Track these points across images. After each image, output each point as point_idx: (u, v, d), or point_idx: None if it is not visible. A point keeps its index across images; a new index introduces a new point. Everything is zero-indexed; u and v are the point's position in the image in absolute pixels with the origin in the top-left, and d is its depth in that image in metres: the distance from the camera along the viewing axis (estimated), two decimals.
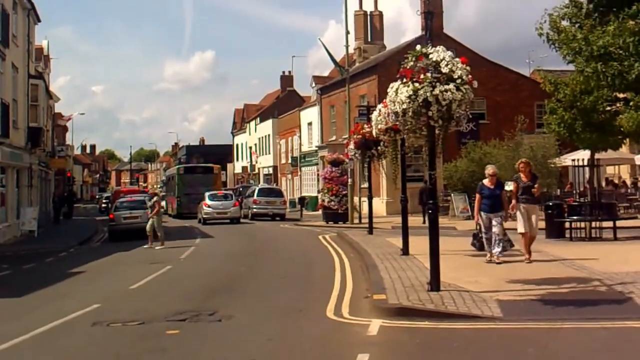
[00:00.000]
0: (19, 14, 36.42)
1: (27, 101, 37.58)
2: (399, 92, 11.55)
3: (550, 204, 22.32)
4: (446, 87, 11.18)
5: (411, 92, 11.31)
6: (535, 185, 16.20)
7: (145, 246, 25.50)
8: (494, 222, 15.73)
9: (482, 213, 15.98)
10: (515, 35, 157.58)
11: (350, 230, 29.36)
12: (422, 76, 11.36)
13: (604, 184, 33.75)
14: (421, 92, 11.23)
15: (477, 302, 11.28)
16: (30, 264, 22.44)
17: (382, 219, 34.46)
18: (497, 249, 15.74)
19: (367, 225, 27.06)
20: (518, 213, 16.04)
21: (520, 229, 16.07)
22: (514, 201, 16.04)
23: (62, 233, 37.38)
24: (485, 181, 16.09)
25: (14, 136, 33.02)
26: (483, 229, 16.05)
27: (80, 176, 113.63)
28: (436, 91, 11.17)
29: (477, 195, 16.23)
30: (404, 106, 11.45)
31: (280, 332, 10.56)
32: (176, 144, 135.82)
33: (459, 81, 11.28)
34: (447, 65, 11.35)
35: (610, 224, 21.19)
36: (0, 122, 29.80)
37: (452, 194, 35.39)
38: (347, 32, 38.00)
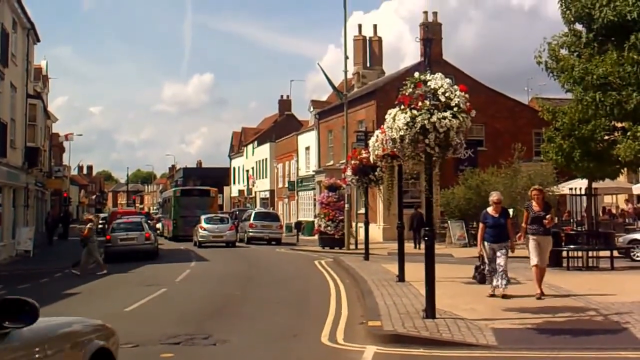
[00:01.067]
0: (19, 34, 36.54)
1: (25, 121, 37.57)
2: (397, 119, 11.56)
3: None
4: (443, 114, 11.20)
5: (409, 119, 11.32)
6: (548, 216, 14.82)
7: (98, 273, 24.89)
8: (498, 254, 14.46)
9: (486, 243, 14.63)
10: (513, 62, 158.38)
11: (346, 256, 29.29)
12: (420, 103, 11.38)
13: (601, 213, 33.76)
14: (419, 119, 11.24)
15: (472, 330, 11.21)
16: (26, 284, 22.32)
17: (378, 245, 34.37)
18: (502, 282, 14.40)
19: (363, 251, 27.03)
20: (530, 245, 14.89)
21: (533, 261, 14.84)
22: (523, 227, 15.12)
23: (58, 253, 37.22)
24: (489, 209, 14.83)
25: (11, 156, 33.01)
26: (486, 261, 14.69)
27: (77, 197, 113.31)
28: (434, 118, 11.17)
29: (481, 225, 14.85)
30: (402, 133, 11.46)
31: (274, 357, 10.52)
32: (173, 166, 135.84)
33: (456, 109, 11.29)
34: (444, 93, 11.37)
35: (607, 253, 21.16)
36: None
37: (449, 221, 35.34)
38: (346, 57, 38.05)
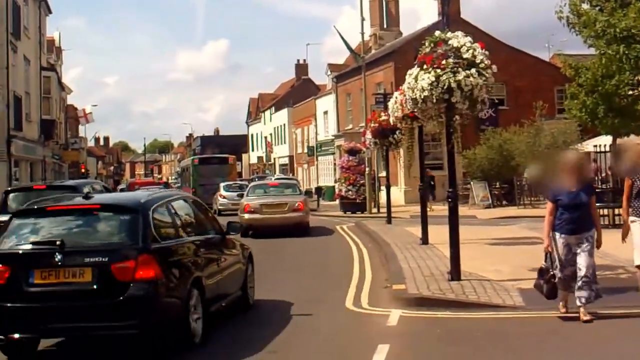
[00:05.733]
0: (30, 6, 36.41)
1: (40, 93, 37.60)
2: (419, 79, 11.38)
3: None
4: (468, 72, 11.03)
5: (433, 79, 11.15)
6: None
7: None
8: (577, 251, 9.40)
9: (558, 235, 9.51)
10: (533, 18, 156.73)
11: (368, 220, 29.11)
12: (443, 62, 11.15)
13: None
14: (443, 78, 11.06)
15: (498, 291, 11.13)
16: None
17: (401, 208, 34.16)
18: (583, 294, 9.31)
19: (385, 215, 26.87)
20: (635, 232, 9.74)
21: (637, 258, 9.69)
22: (624, 206, 9.86)
23: None
24: (561, 180, 9.72)
25: (27, 129, 33.02)
26: (557, 263, 9.53)
27: (95, 168, 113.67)
28: (459, 77, 11.00)
29: (548, 205, 9.74)
30: (425, 93, 11.28)
31: (299, 322, 10.40)
32: (190, 134, 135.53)
33: (481, 66, 11.11)
34: (468, 50, 11.19)
35: None
36: (13, 115, 29.78)
37: (471, 182, 35.03)
38: (363, 19, 37.57)
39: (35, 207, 9.18)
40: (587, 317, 9.27)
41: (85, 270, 8.11)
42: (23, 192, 17.64)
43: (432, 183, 35.35)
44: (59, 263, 8.10)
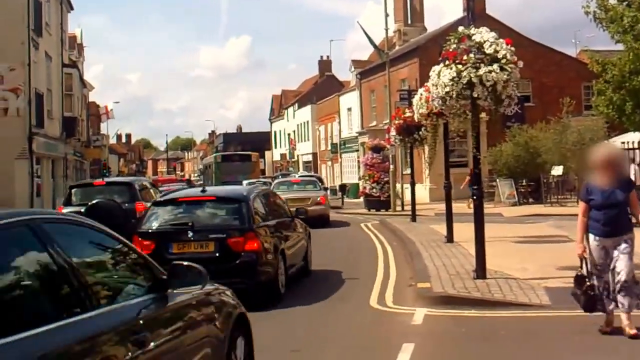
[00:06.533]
0: (52, 2, 36.56)
1: (62, 90, 37.78)
2: (442, 75, 11.35)
3: None
4: (490, 67, 10.92)
5: (454, 74, 11.10)
6: None
7: None
8: (615, 254, 8.37)
9: (592, 237, 8.54)
10: (559, 14, 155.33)
11: (393, 218, 29.00)
12: (465, 57, 11.06)
13: None
14: (465, 73, 10.99)
15: (524, 289, 11.00)
16: None
17: (425, 206, 33.97)
18: (624, 300, 8.25)
19: (409, 213, 26.74)
20: None
21: None
22: None
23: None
24: (594, 178, 8.67)
25: (48, 126, 33.12)
26: (593, 270, 8.53)
27: (116, 166, 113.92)
28: (480, 72, 10.91)
29: (581, 205, 8.78)
30: (447, 89, 11.24)
31: (323, 321, 10.38)
32: (213, 132, 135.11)
33: (503, 61, 11.00)
34: (490, 45, 11.09)
35: None
36: (35, 112, 29.87)
37: (497, 180, 34.78)
38: (387, 15, 37.46)
39: (162, 199, 12.82)
40: (634, 332, 8.18)
41: (209, 244, 11.27)
42: (84, 187, 19.90)
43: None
44: (191, 238, 11.30)
